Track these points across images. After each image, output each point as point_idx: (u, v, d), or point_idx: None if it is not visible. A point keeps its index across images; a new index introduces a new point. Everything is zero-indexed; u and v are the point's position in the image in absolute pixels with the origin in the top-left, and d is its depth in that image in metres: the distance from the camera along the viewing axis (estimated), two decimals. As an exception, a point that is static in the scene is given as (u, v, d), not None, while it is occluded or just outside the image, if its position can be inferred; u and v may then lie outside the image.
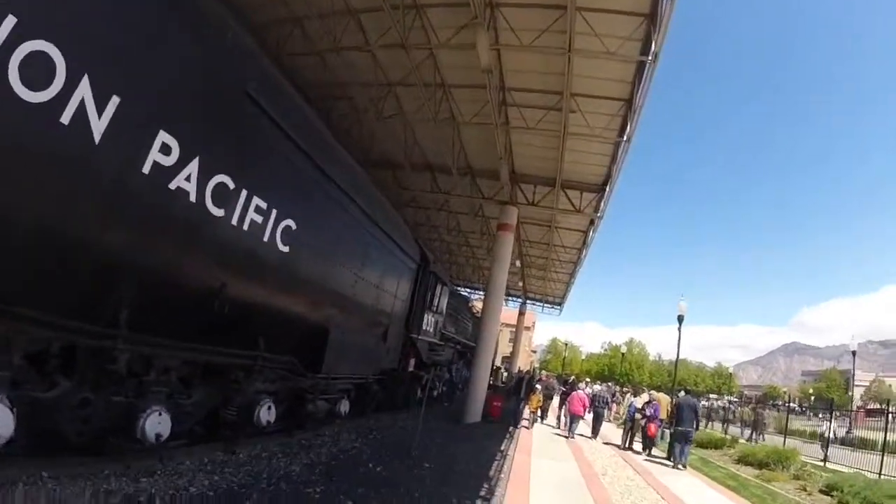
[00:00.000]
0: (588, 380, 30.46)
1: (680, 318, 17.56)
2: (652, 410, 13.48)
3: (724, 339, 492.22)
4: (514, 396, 17.03)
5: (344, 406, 9.66)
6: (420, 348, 12.76)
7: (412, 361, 11.74)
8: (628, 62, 10.86)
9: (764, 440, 21.92)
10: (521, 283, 30.63)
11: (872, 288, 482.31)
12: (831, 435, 19.58)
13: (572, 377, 19.61)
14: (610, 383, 40.22)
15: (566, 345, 47.64)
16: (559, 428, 16.58)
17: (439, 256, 29.62)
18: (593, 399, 16.96)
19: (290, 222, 6.36)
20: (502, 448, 10.91)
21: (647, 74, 10.71)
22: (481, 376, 14.71)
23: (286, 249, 6.35)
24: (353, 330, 8.97)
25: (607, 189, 15.39)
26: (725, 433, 23.37)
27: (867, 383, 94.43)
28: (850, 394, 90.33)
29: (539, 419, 16.98)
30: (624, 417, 15.52)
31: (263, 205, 5.85)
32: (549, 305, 39.08)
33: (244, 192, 5.52)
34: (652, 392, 15.13)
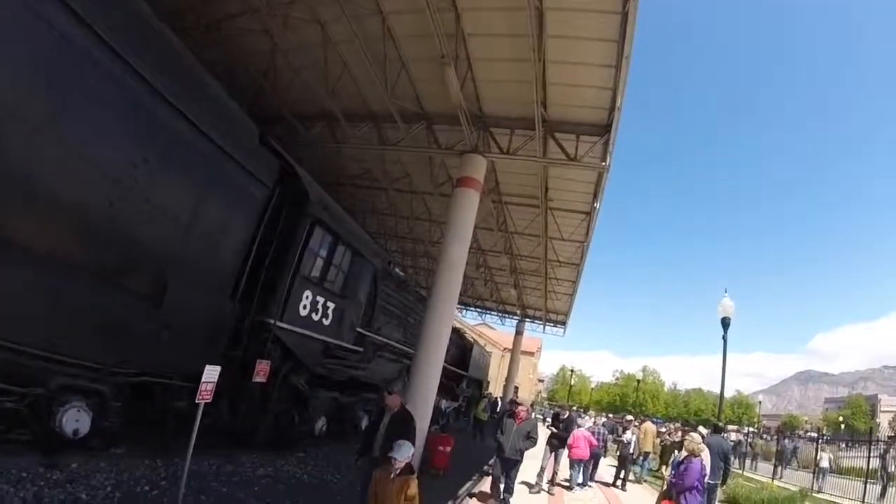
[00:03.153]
0: (589, 412, 24.16)
1: (725, 323, 12.22)
2: (679, 472, 7.19)
3: (737, 367, 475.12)
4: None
5: (70, 419, 4.58)
6: (296, 348, 7.58)
7: (266, 366, 6.56)
8: None
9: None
10: (513, 291, 25.00)
11: (886, 311, 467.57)
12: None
13: (566, 412, 12.26)
14: (611, 415, 32.35)
15: (572, 371, 41.05)
16: (542, 481, 10.79)
17: (393, 250, 24.39)
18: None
19: None
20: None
21: None
22: (421, 401, 9.34)
23: None
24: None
25: (613, 125, 10.28)
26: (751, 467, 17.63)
27: (895, 409, 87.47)
28: (876, 420, 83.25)
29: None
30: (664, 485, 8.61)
31: None
32: (551, 325, 33.32)
33: None
34: (693, 435, 8.73)
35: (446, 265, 10.29)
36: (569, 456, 11.35)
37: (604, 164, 10.70)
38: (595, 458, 12.51)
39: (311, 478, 7.41)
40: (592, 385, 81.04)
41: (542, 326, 33.41)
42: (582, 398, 73.62)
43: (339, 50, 11.00)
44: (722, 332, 12.27)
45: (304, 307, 7.56)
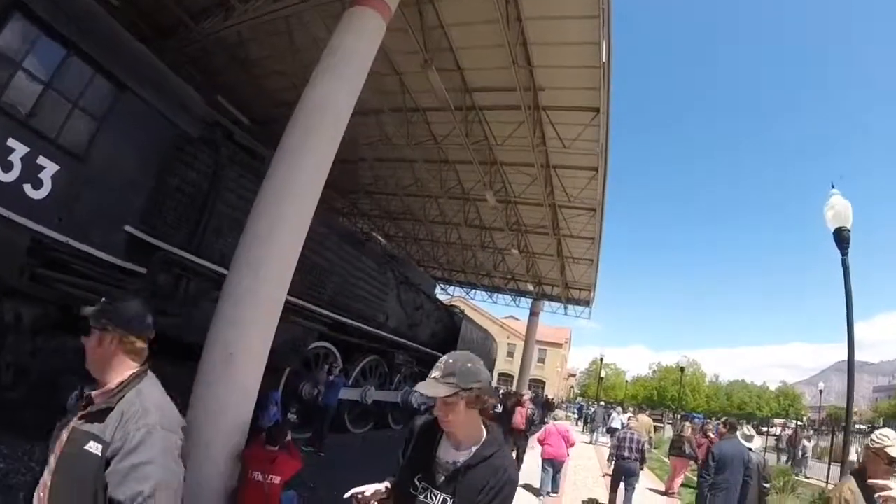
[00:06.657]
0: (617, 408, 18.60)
1: (841, 237, 5.95)
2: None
3: (773, 358, 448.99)
4: None
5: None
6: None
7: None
8: None
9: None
10: (517, 252, 19.36)
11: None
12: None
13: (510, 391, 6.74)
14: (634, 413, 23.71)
15: (602, 359, 35.01)
16: None
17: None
18: (619, 445, 7.82)
19: None
20: None
21: None
22: (225, 375, 4.24)
23: None
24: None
25: None
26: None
27: (952, 396, 77.64)
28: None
29: None
30: None
31: None
32: (573, 304, 27.26)
33: None
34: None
35: (311, 109, 5.12)
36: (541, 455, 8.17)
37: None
38: (627, 474, 7.30)
39: None
40: (627, 379, 74.13)
41: (562, 307, 27.58)
42: (616, 393, 66.97)
43: None
44: (840, 254, 5.91)
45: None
